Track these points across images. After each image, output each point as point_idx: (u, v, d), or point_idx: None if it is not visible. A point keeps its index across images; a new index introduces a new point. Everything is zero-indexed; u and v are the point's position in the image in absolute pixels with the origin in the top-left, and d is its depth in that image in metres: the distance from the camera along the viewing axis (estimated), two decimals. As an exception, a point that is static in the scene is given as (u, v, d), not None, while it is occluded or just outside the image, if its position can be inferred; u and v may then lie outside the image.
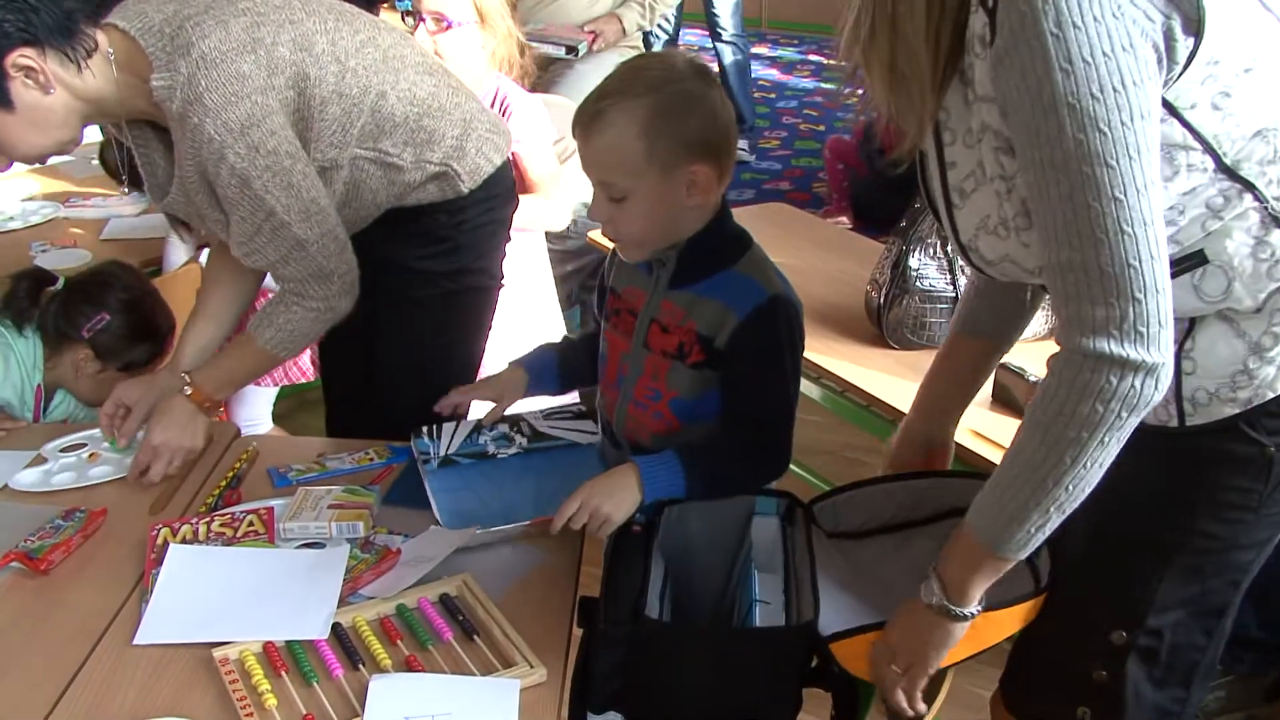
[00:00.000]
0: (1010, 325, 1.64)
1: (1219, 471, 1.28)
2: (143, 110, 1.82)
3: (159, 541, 1.73)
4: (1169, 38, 1.10)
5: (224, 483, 1.91)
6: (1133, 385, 1.15)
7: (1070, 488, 1.20)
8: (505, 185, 2.16)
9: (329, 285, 1.91)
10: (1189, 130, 1.16)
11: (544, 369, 1.98)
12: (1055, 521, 1.23)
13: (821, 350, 2.49)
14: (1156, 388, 1.15)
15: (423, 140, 1.97)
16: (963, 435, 2.15)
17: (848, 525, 1.64)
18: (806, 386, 2.60)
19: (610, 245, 1.78)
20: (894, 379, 2.39)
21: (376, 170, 1.96)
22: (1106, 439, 1.17)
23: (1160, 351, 1.14)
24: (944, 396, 1.72)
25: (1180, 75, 1.12)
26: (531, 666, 1.47)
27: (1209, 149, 1.17)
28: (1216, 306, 1.23)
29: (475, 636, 1.54)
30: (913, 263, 2.42)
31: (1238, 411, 1.25)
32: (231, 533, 1.75)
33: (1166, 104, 1.14)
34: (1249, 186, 1.18)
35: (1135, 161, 1.10)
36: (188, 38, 1.72)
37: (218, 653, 1.50)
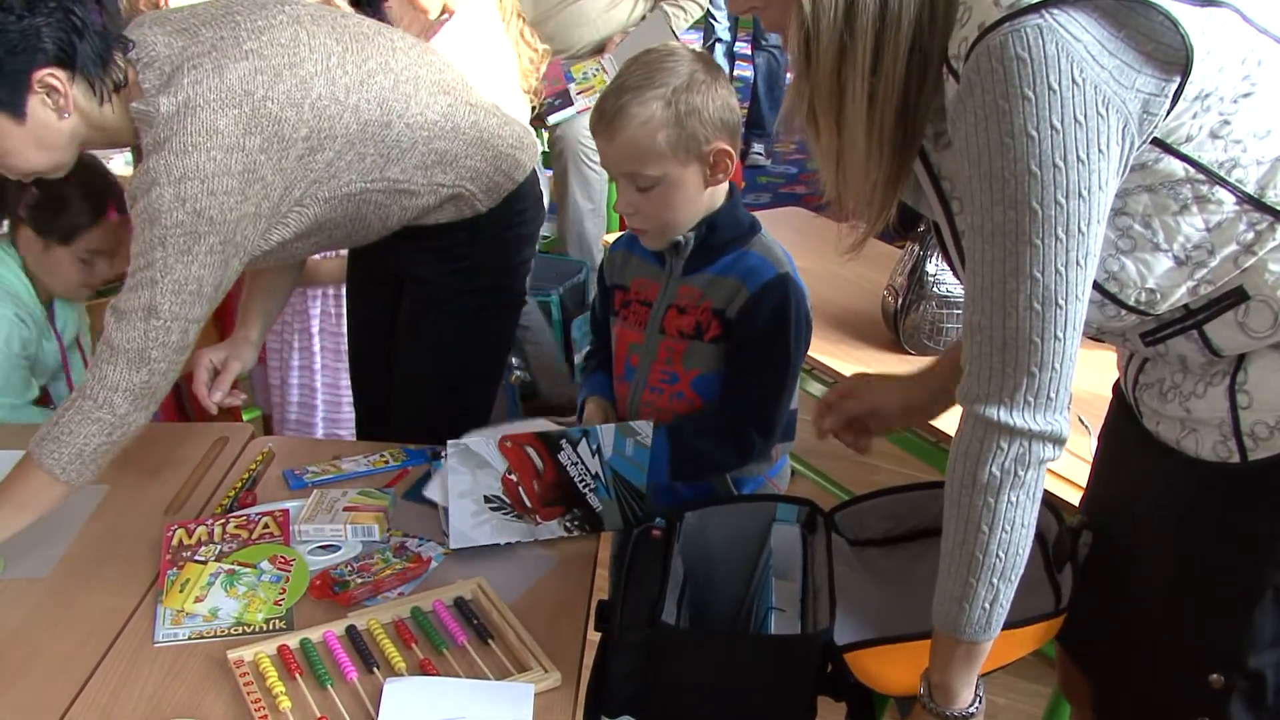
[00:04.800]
0: None
1: None
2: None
3: (174, 542, 1.73)
4: (1144, 97, 1.06)
5: (239, 484, 1.91)
6: (1023, 447, 1.16)
7: (1001, 554, 1.20)
8: (529, 201, 2.11)
9: (130, 373, 1.69)
10: (1189, 164, 1.12)
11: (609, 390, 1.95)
12: (1006, 592, 1.22)
13: (837, 355, 2.48)
14: (1054, 447, 1.17)
15: (433, 162, 1.93)
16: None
17: (872, 533, 1.64)
18: (822, 391, 2.59)
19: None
20: (910, 384, 2.38)
21: (385, 199, 1.91)
22: (1014, 498, 1.18)
23: (1049, 419, 1.16)
24: (938, 387, 1.63)
25: (1167, 115, 1.08)
26: (546, 671, 1.47)
27: (1219, 180, 1.12)
28: (1267, 341, 1.18)
29: (490, 640, 1.54)
30: (930, 268, 2.41)
31: None
32: (246, 534, 1.75)
33: (1158, 141, 1.10)
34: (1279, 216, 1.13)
35: (1062, 242, 1.09)
36: (180, 79, 1.67)
37: (232, 654, 1.50)
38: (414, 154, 1.90)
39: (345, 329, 2.50)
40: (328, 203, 1.86)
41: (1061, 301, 1.11)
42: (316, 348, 2.80)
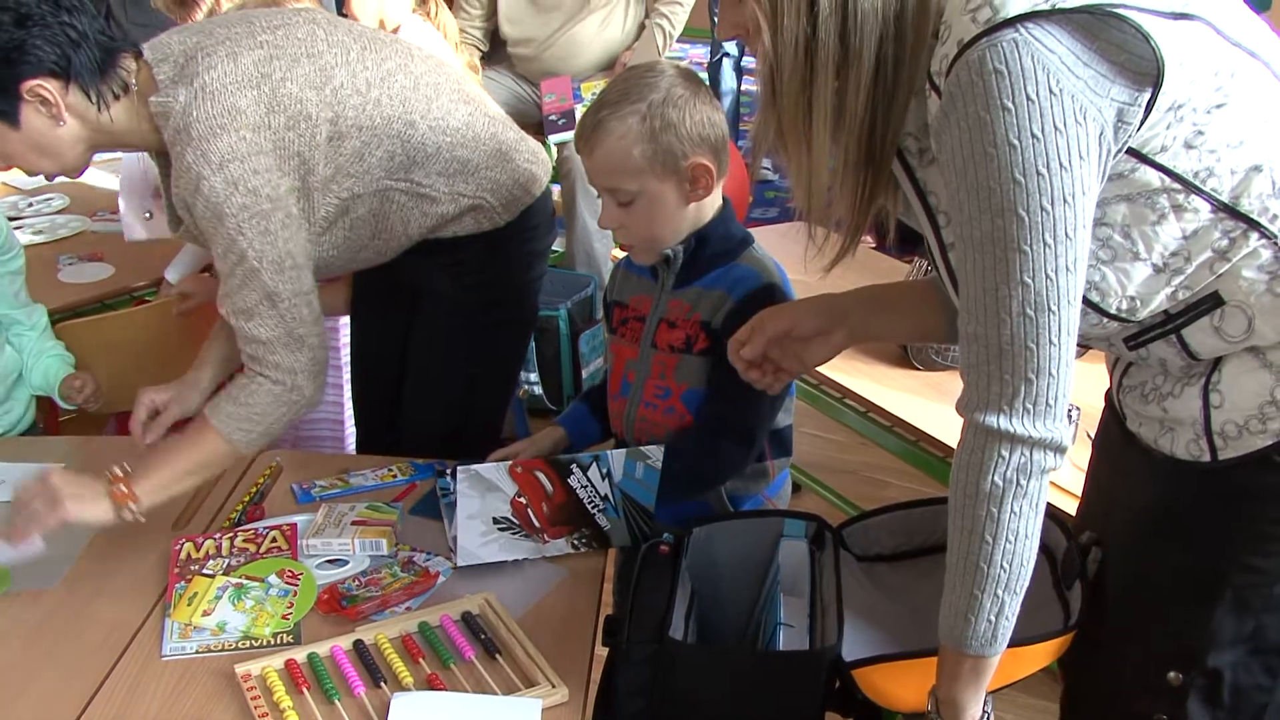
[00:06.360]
0: None
1: (1256, 504, 1.25)
2: (159, 142, 1.78)
3: (181, 556, 1.73)
4: (1118, 106, 1.09)
5: (247, 498, 1.91)
6: (1024, 455, 1.17)
7: (1005, 565, 1.20)
8: (543, 216, 2.13)
9: (297, 354, 1.78)
10: (1165, 173, 1.14)
11: (580, 421, 1.98)
12: (1012, 604, 1.23)
13: (845, 370, 2.48)
14: (1054, 455, 1.18)
15: (455, 171, 1.94)
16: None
17: (880, 548, 1.63)
18: (830, 406, 2.60)
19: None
20: (918, 399, 2.38)
21: (408, 201, 1.93)
22: (1017, 508, 1.18)
23: (1049, 426, 1.17)
24: (892, 310, 1.62)
25: (1141, 124, 1.11)
26: (554, 686, 1.46)
27: (1194, 189, 1.15)
28: (1242, 345, 1.21)
29: (497, 655, 1.54)
30: (938, 283, 2.41)
31: (1270, 443, 1.22)
32: (254, 549, 1.75)
33: (1135, 153, 1.13)
34: (1254, 224, 1.16)
35: (1050, 248, 1.11)
36: (195, 67, 1.70)
37: (240, 668, 1.50)
38: (438, 160, 1.92)
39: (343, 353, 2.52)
40: (358, 197, 1.87)
41: (1054, 307, 1.13)
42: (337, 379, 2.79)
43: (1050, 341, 1.14)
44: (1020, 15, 1.07)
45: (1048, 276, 1.12)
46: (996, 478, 1.18)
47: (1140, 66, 1.08)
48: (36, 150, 1.72)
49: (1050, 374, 1.15)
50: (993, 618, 1.23)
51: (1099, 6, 1.08)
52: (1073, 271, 1.12)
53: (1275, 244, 1.17)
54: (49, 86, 1.65)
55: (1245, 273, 1.18)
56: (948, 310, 1.50)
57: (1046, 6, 1.07)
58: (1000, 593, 1.21)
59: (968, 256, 1.16)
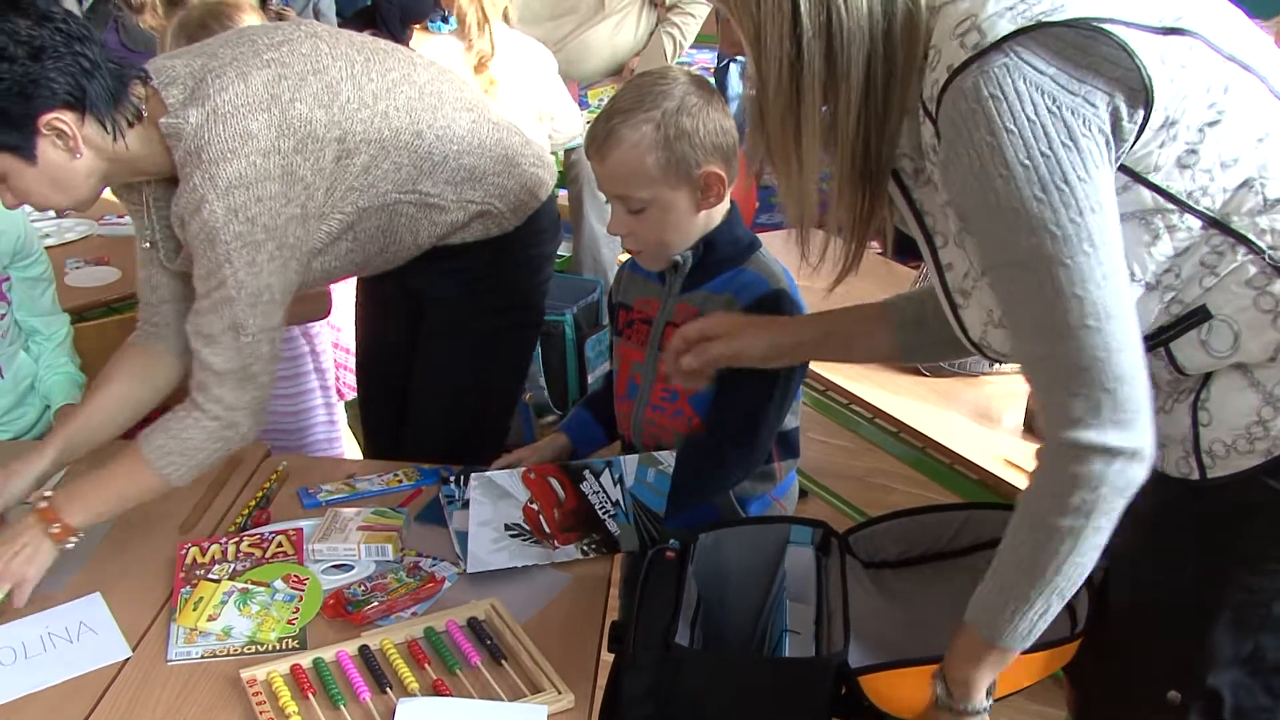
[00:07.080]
0: (930, 355, 1.64)
1: (1247, 523, 1.25)
2: (171, 165, 1.75)
3: (187, 560, 1.73)
4: (1115, 117, 1.09)
5: (253, 503, 1.91)
6: (1119, 471, 1.15)
7: (1069, 574, 1.20)
8: (550, 220, 2.13)
9: (243, 392, 1.75)
10: (1158, 193, 1.13)
11: (583, 426, 1.99)
12: (1056, 608, 1.23)
13: (851, 376, 2.48)
14: (1143, 469, 1.16)
15: (462, 178, 1.94)
16: (995, 464, 2.14)
17: (885, 555, 1.63)
18: (836, 411, 2.59)
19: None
20: (925, 405, 2.38)
21: (416, 212, 1.92)
22: (1100, 524, 1.17)
23: (1139, 435, 1.14)
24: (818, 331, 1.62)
25: (1134, 144, 1.10)
26: (559, 692, 1.46)
27: (1187, 208, 1.14)
28: (1228, 361, 1.20)
29: (503, 661, 1.53)
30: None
31: (1258, 463, 1.21)
32: (260, 553, 1.76)
33: (1128, 170, 1.12)
34: (1241, 239, 1.15)
35: (1091, 256, 1.10)
36: (207, 89, 1.68)
37: (245, 673, 1.50)
38: (445, 169, 1.92)
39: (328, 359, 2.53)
40: (364, 211, 1.87)
41: (1113, 311, 1.11)
42: (312, 384, 2.77)
43: (1118, 347, 1.12)
44: (1007, 36, 1.07)
45: (1097, 283, 1.10)
46: (1088, 493, 1.15)
47: (1131, 81, 1.08)
48: (52, 185, 1.68)
49: (1126, 378, 1.12)
50: (1036, 618, 1.23)
51: (1085, 20, 1.07)
52: (1117, 275, 1.11)
53: (1262, 258, 1.16)
54: (65, 119, 1.61)
55: (1233, 287, 1.17)
56: (902, 332, 1.55)
57: (1032, 22, 1.07)
58: (1053, 598, 1.22)
59: (1015, 279, 1.14)
